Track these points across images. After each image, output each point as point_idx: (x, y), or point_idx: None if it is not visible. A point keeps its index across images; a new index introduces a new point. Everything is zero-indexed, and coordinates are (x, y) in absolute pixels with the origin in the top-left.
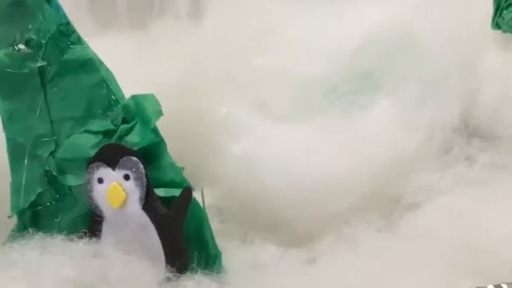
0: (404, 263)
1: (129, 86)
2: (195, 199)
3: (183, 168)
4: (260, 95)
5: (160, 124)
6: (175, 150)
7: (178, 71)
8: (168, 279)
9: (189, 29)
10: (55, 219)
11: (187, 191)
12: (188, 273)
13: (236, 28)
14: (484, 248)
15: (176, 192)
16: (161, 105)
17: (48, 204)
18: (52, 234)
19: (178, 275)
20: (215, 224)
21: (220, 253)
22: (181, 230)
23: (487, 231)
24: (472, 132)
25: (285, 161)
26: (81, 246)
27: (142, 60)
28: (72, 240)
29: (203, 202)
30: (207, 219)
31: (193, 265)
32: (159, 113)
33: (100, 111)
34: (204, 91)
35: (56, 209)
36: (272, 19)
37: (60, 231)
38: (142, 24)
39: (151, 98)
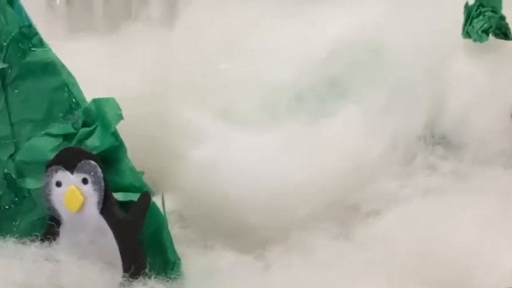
0: (360, 271)
1: (96, 89)
2: (154, 204)
3: (143, 172)
4: (226, 101)
5: (125, 128)
6: (139, 154)
7: (147, 75)
8: (120, 284)
9: (160, 34)
10: (14, 222)
11: (146, 195)
12: (141, 278)
13: (207, 34)
14: (441, 257)
15: (135, 196)
16: (127, 109)
17: (7, 207)
18: (4, 237)
19: (130, 280)
20: (176, 230)
21: (179, 259)
22: (139, 235)
23: (445, 240)
24: (437, 140)
25: (247, 167)
26: (33, 249)
27: (112, 63)
28: (24, 243)
29: (163, 208)
30: (166, 225)
31: (146, 270)
32: (119, 117)
33: (61, 115)
34: (171, 96)
35: (15, 212)
36: (244, 25)
37: (19, 234)
38: (115, 28)
39: (112, 101)
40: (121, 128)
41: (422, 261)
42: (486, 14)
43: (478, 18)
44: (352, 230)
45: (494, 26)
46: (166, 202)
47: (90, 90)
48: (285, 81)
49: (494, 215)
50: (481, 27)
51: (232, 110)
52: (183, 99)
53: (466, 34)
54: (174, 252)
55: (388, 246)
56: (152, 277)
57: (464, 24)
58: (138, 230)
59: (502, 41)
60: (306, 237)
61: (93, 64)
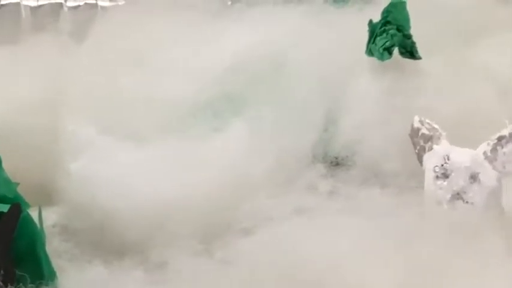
0: None
1: None
2: (29, 217)
3: (18, 184)
4: (119, 116)
5: (12, 139)
6: (26, 166)
7: (46, 87)
8: None
9: (71, 47)
10: None
11: (16, 207)
12: None
13: (115, 49)
14: (306, 276)
15: (5, 208)
16: (16, 120)
17: None
18: None
19: None
20: (57, 243)
21: (54, 272)
22: (7, 246)
23: (311, 260)
24: (328, 159)
25: (126, 183)
26: None
27: (13, 74)
28: None
29: (40, 221)
30: (41, 238)
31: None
32: None
33: None
34: (64, 108)
35: None
36: (153, 42)
37: None
38: (24, 40)
39: None
40: (9, 137)
41: (284, 280)
42: (390, 32)
43: (381, 36)
44: (217, 248)
45: (397, 44)
46: (51, 215)
47: None
48: (184, 97)
49: (365, 235)
50: (382, 45)
51: (123, 125)
52: (75, 113)
53: (369, 52)
54: (49, 265)
55: (251, 264)
56: None
57: (368, 42)
58: (7, 242)
59: (407, 59)
60: (169, 253)
61: None
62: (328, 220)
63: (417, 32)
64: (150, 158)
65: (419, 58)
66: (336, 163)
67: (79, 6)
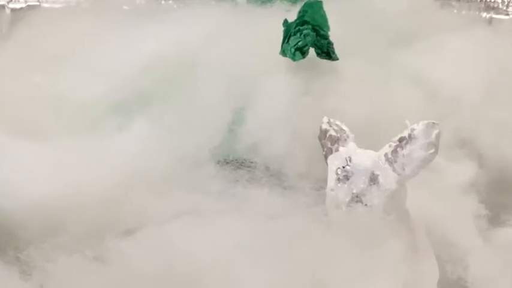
0: None
1: None
2: None
3: None
4: (23, 114)
5: None
6: None
7: None
8: None
9: None
10: None
11: None
12: None
13: (36, 49)
14: (182, 276)
15: None
16: None
17: None
18: None
19: None
20: None
21: None
22: None
23: (189, 260)
24: (226, 160)
25: (16, 180)
26: None
27: None
28: None
29: None
30: None
31: None
32: None
33: None
34: None
35: None
36: (78, 41)
37: None
38: None
39: None
40: None
41: (161, 279)
42: (304, 32)
43: (295, 36)
44: (94, 247)
45: (310, 44)
46: None
47: None
48: (92, 97)
49: (251, 236)
50: (295, 45)
51: (25, 123)
52: None
53: (283, 52)
54: None
55: (127, 263)
56: None
57: (282, 42)
58: None
59: (325, 60)
60: (45, 251)
61: None
62: (215, 221)
63: (343, 33)
64: (46, 157)
65: (336, 59)
66: (235, 164)
67: (22, 8)
